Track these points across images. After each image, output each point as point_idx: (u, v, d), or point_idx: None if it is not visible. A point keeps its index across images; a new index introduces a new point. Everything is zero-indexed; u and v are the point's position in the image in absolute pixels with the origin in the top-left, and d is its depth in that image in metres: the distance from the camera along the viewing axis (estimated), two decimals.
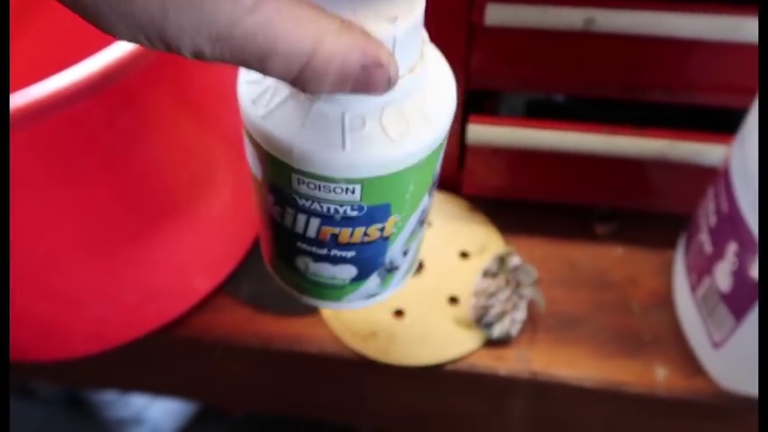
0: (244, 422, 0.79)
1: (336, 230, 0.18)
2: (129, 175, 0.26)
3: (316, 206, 0.17)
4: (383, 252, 0.19)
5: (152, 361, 0.37)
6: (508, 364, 0.31)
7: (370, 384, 0.35)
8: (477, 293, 0.32)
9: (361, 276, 0.20)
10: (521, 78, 0.32)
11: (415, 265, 0.22)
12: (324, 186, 0.16)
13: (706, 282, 0.29)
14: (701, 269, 0.29)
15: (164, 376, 0.40)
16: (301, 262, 0.20)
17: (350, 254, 0.19)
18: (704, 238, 0.29)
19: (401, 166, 0.16)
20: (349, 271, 0.20)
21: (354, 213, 0.17)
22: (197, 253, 0.32)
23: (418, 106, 0.16)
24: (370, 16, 0.14)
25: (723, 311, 0.27)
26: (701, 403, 0.30)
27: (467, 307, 0.33)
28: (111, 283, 0.29)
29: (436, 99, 0.17)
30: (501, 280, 0.32)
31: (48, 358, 0.31)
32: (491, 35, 0.30)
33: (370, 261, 0.19)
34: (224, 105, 0.30)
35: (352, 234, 0.18)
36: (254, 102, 0.16)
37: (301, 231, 0.18)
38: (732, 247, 0.26)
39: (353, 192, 0.16)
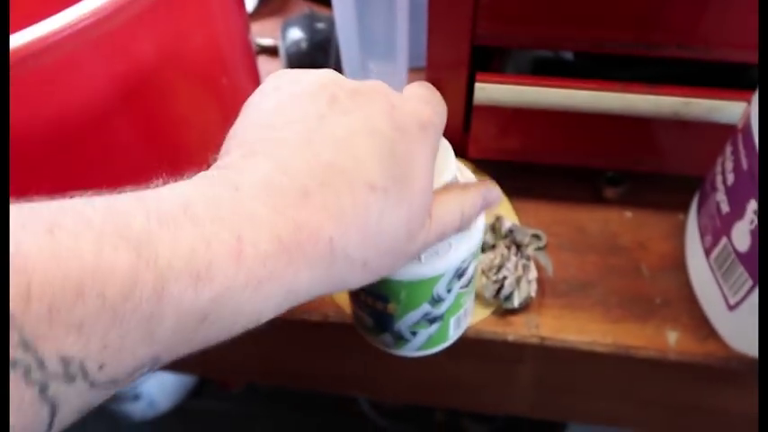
0: (240, 396, 0.79)
1: (357, 289, 0.25)
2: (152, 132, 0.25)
3: None
4: (389, 323, 0.26)
5: None
6: (516, 329, 0.31)
7: (374, 354, 0.34)
8: (484, 271, 0.31)
9: (378, 329, 0.27)
10: (529, 34, 0.31)
11: (441, 345, 0.27)
12: None
13: (722, 243, 0.28)
14: (716, 230, 0.28)
15: None
16: (350, 295, 0.28)
17: (367, 308, 0.26)
18: (721, 197, 0.28)
19: (389, 277, 0.22)
20: (368, 320, 0.27)
21: (366, 287, 0.23)
22: None
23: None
24: None
25: (740, 272, 0.27)
26: (713, 366, 0.30)
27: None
28: None
29: (441, 248, 0.22)
30: (501, 248, 0.31)
31: None
32: None
33: (381, 323, 0.26)
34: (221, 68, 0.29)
35: (366, 296, 0.25)
36: None
37: None
38: (752, 206, 0.25)
39: None
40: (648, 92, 0.30)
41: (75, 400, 0.14)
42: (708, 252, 0.29)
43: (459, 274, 0.24)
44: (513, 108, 0.32)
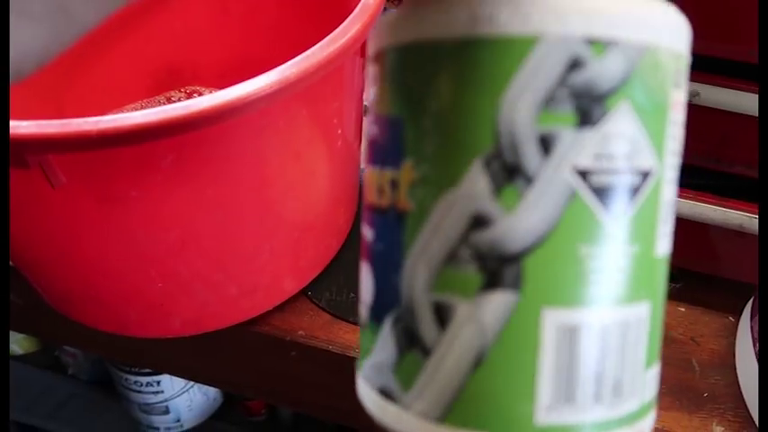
0: (261, 423, 0.81)
1: (369, 171, 0.19)
2: (263, 180, 0.29)
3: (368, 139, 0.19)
4: (396, 260, 0.19)
5: (225, 351, 0.39)
6: None
7: None
8: None
9: (374, 313, 0.22)
10: None
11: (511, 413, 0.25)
12: (373, 74, 0.18)
13: None
14: None
15: (229, 367, 0.42)
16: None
17: (369, 234, 0.19)
18: None
19: (407, 38, 0.16)
20: (367, 283, 0.20)
21: (375, 128, 0.17)
22: (293, 256, 0.34)
23: None
24: None
25: None
26: None
27: None
28: (221, 274, 0.31)
29: None
30: None
31: (146, 335, 0.33)
32: None
33: (381, 270, 0.18)
34: (339, 130, 0.33)
35: (373, 183, 0.18)
36: None
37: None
38: None
39: (380, 76, 0.17)
40: (718, 203, 0.33)
41: None
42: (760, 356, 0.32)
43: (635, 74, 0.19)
44: None
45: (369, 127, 0.16)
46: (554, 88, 0.13)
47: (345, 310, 0.37)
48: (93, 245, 0.27)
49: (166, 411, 0.72)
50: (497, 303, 0.13)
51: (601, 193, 0.13)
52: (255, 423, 0.80)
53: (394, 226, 0.14)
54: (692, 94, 0.31)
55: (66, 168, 0.23)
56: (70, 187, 0.24)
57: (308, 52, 0.25)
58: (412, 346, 0.14)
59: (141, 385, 0.68)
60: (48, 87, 0.40)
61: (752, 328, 0.34)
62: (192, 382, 0.72)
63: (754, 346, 0.33)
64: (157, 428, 0.74)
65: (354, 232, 0.41)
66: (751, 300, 0.35)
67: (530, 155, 0.13)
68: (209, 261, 0.30)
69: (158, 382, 0.68)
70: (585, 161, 0.13)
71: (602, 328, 0.14)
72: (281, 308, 0.36)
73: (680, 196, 0.34)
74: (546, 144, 0.13)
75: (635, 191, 0.14)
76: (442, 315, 0.14)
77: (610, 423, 0.14)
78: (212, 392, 0.76)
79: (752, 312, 0.34)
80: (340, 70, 0.30)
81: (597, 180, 0.13)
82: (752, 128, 0.32)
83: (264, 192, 0.30)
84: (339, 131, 0.33)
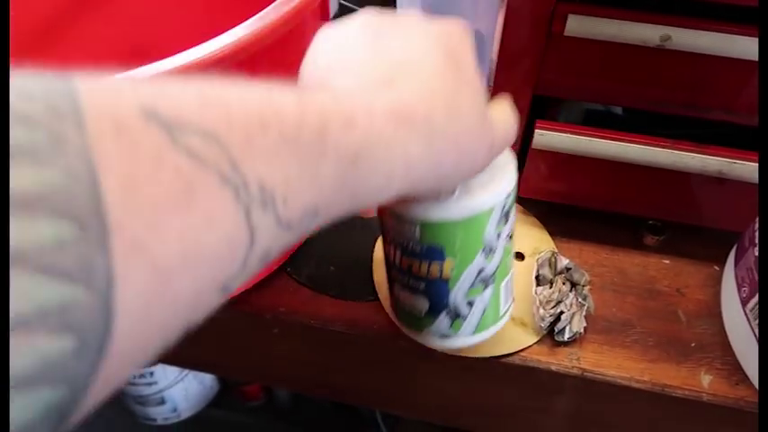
0: (258, 409, 0.81)
1: (409, 261, 0.26)
2: None
3: (397, 238, 0.26)
4: (446, 293, 0.27)
5: (208, 333, 0.39)
6: (559, 360, 0.33)
7: (421, 372, 0.36)
8: (542, 303, 0.33)
9: (432, 311, 0.28)
10: (589, 88, 0.34)
11: (493, 327, 0.29)
12: (399, 223, 0.25)
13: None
14: (754, 282, 0.31)
15: (213, 349, 0.41)
16: (396, 289, 0.29)
17: (421, 285, 0.27)
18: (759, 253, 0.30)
19: (444, 219, 0.24)
20: (423, 303, 0.28)
21: (417, 248, 0.25)
22: None
23: (467, 184, 0.24)
24: None
25: None
26: (744, 410, 0.31)
27: (523, 304, 0.34)
28: None
29: (485, 181, 0.25)
30: (559, 284, 0.33)
31: None
32: (567, 45, 0.32)
33: (437, 298, 0.27)
34: None
35: (419, 267, 0.26)
36: None
37: (392, 260, 0.27)
38: None
39: (415, 231, 0.25)
40: (696, 150, 0.33)
41: (265, 234, 0.14)
42: (744, 302, 0.32)
43: (506, 212, 0.26)
44: (567, 154, 0.35)
45: (411, 246, 0.26)
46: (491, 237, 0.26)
47: (326, 284, 0.36)
48: None
49: (162, 402, 0.72)
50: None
51: None
52: (253, 408, 0.80)
53: (443, 284, 0.27)
54: (663, 39, 0.30)
55: None
56: None
57: (262, 13, 0.24)
58: (457, 317, 0.28)
59: (134, 377, 0.68)
60: None
61: (736, 275, 0.33)
62: (185, 371, 0.71)
63: (739, 291, 0.32)
64: (155, 420, 0.74)
65: None
66: (734, 248, 0.35)
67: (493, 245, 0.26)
68: None
69: (151, 373, 0.68)
70: None
71: None
72: (260, 285, 0.36)
73: (658, 146, 0.33)
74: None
75: None
76: (471, 303, 0.28)
77: None
78: (208, 380, 0.76)
79: (735, 260, 0.34)
80: (301, 34, 0.29)
81: None
82: (728, 70, 0.31)
83: None
84: None
